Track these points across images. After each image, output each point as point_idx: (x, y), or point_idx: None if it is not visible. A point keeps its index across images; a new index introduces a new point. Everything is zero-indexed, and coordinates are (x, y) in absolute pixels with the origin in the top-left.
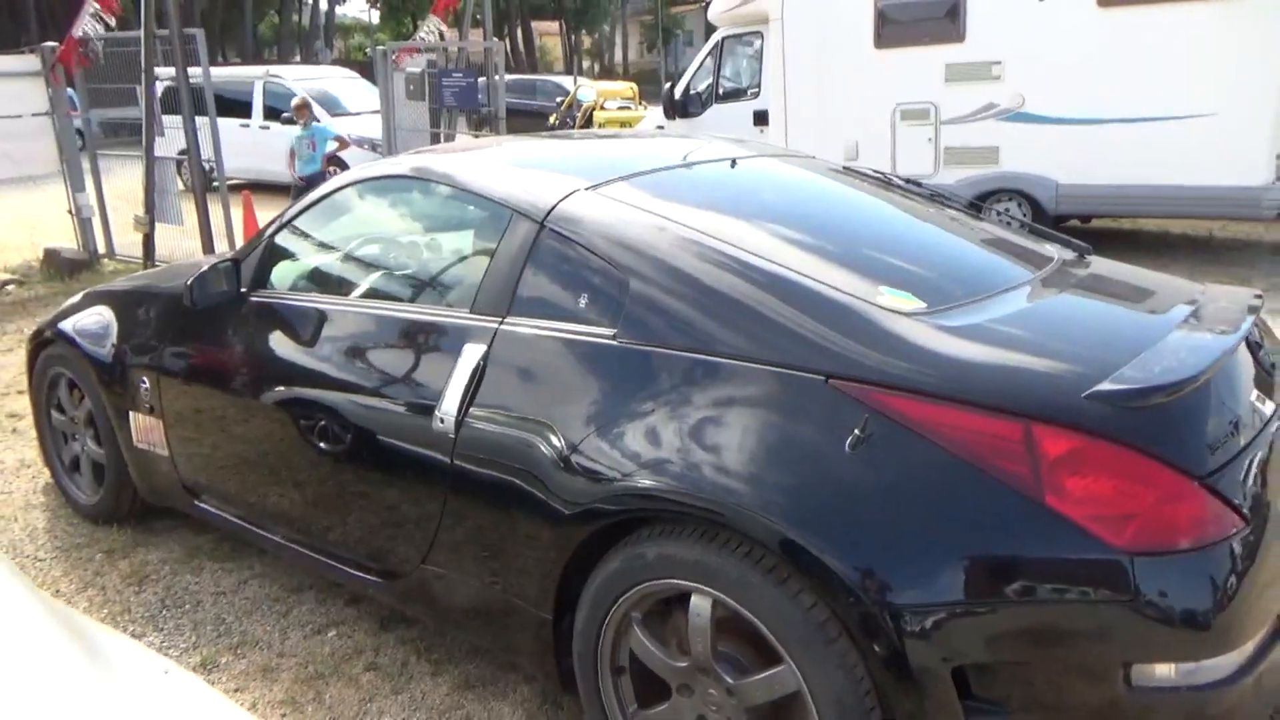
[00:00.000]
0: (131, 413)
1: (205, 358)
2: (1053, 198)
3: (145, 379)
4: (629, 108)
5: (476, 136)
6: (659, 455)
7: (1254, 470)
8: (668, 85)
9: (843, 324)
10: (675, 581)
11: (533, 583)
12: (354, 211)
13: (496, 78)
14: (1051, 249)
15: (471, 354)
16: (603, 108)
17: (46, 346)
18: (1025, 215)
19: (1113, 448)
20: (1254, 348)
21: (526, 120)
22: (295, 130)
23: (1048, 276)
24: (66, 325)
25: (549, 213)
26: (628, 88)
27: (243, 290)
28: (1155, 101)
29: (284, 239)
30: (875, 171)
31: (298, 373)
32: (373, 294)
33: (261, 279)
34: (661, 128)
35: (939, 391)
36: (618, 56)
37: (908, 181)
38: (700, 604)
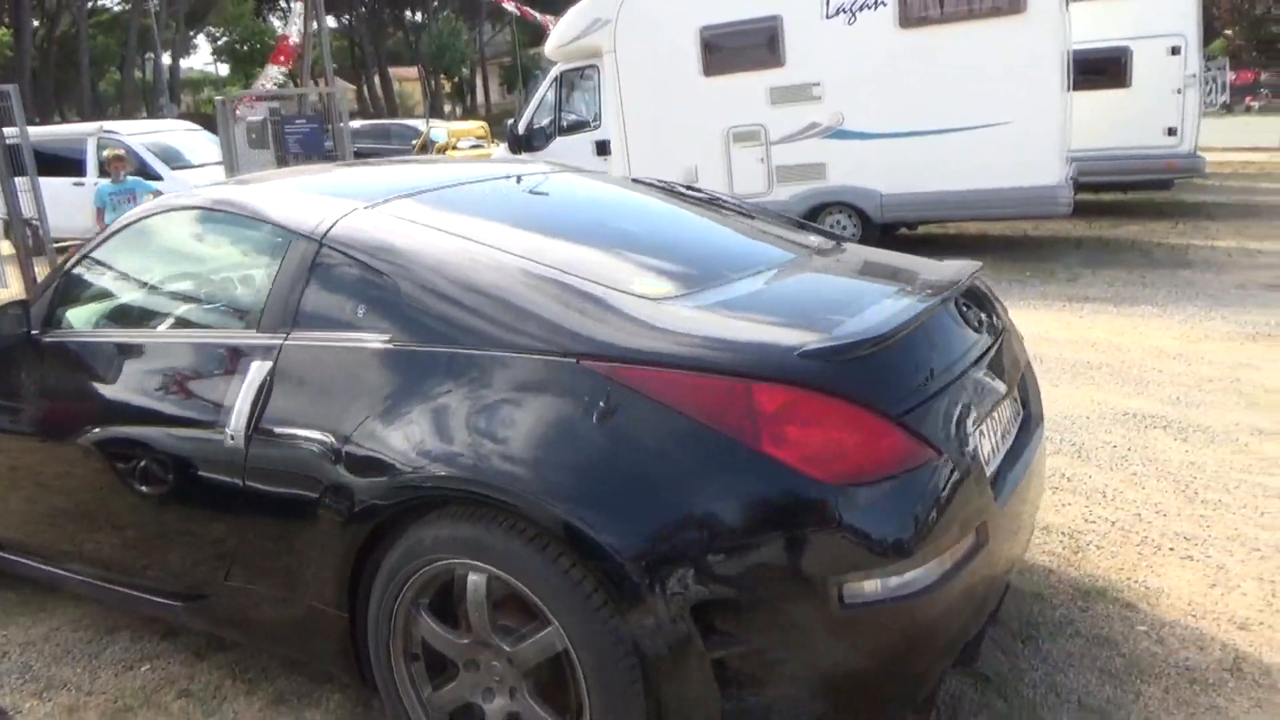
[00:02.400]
0: None
1: (10, 402)
2: (878, 208)
3: None
4: (481, 145)
5: None
6: (428, 446)
7: (953, 411)
8: (510, 121)
9: (591, 310)
10: (450, 561)
11: (328, 585)
12: (145, 246)
13: (341, 124)
14: (812, 239)
15: (258, 371)
16: (455, 147)
17: None
18: (855, 226)
19: (819, 397)
20: (967, 310)
21: None
22: (105, 184)
23: (797, 261)
24: None
25: (326, 232)
26: (479, 126)
27: (33, 332)
28: (957, 113)
29: (76, 278)
30: (661, 182)
31: (91, 409)
32: (163, 324)
33: (54, 319)
34: None
35: (672, 362)
36: (480, 98)
37: (690, 189)
38: (475, 580)
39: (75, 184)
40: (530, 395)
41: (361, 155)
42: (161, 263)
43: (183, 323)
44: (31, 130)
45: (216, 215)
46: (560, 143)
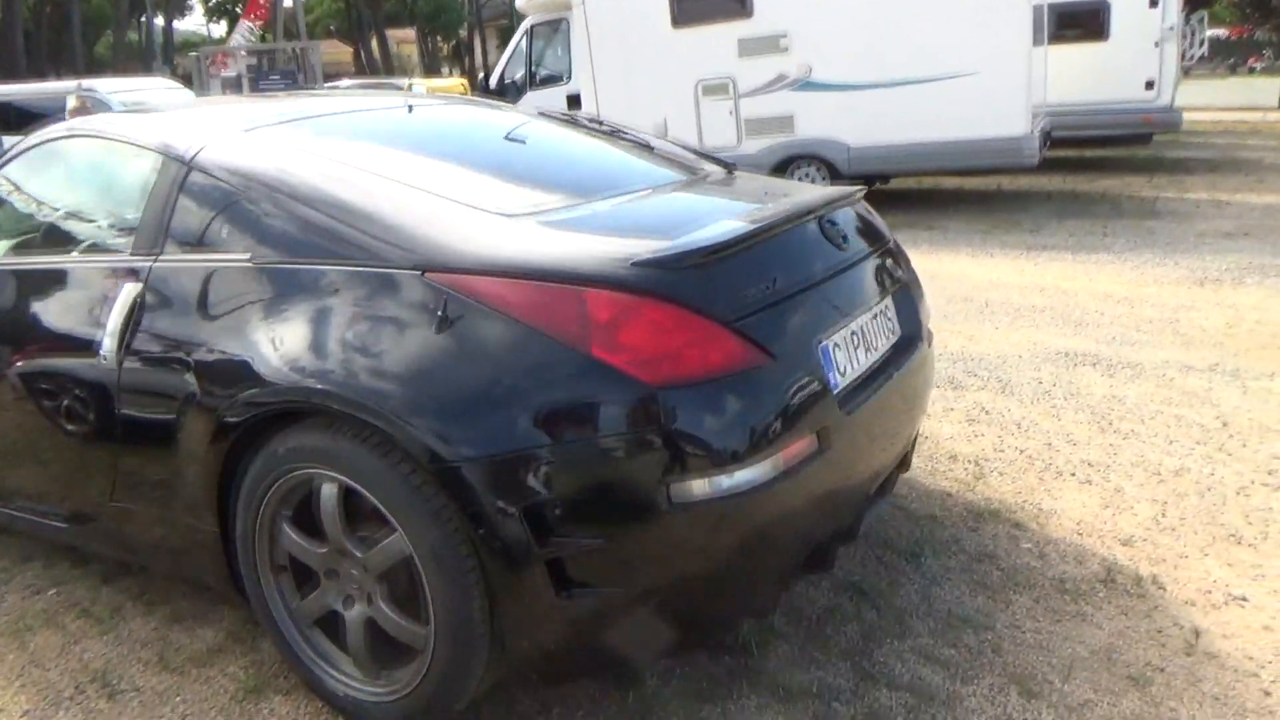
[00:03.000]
0: None
1: None
2: (845, 160)
3: None
4: None
5: None
6: (279, 359)
7: (795, 321)
8: (482, 75)
9: (441, 225)
10: (305, 471)
11: (199, 501)
12: (38, 174)
13: (316, 79)
14: (706, 167)
15: (129, 291)
16: None
17: None
18: (823, 179)
19: (650, 302)
20: (833, 229)
21: None
22: None
23: (674, 184)
24: None
25: (194, 156)
26: (459, 84)
27: None
28: (924, 64)
29: None
30: (565, 114)
31: None
32: (52, 250)
33: None
34: None
35: (511, 272)
36: (478, 59)
37: (593, 121)
38: (328, 489)
39: None
40: (376, 308)
41: None
42: (51, 190)
43: (69, 248)
44: (13, 87)
45: (100, 142)
46: (531, 97)
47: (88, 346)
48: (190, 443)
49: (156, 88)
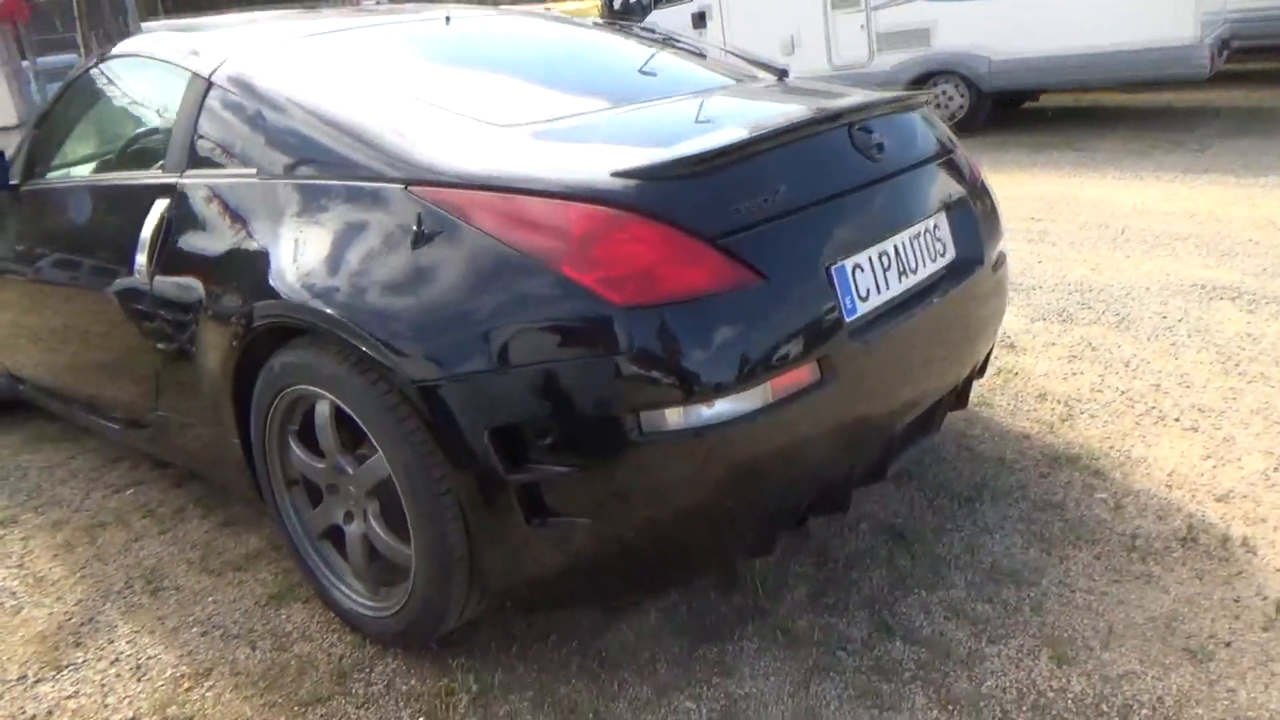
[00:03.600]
0: None
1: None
2: (987, 74)
3: None
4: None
5: None
6: (273, 275)
7: (798, 238)
8: None
9: (429, 137)
10: (299, 388)
11: (222, 412)
12: (90, 97)
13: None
14: (757, 74)
15: (158, 209)
16: None
17: None
18: (963, 96)
19: (626, 216)
20: (869, 137)
21: None
22: None
23: (706, 92)
24: None
25: (213, 72)
26: (595, 4)
27: (13, 183)
28: None
29: (43, 132)
30: (621, 24)
31: (52, 251)
32: (101, 168)
33: (29, 169)
34: None
35: (493, 185)
36: None
37: (646, 30)
38: (321, 407)
39: None
40: (362, 223)
41: None
42: (100, 111)
43: (117, 166)
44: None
45: (141, 62)
46: (656, 15)
47: (127, 260)
48: (208, 357)
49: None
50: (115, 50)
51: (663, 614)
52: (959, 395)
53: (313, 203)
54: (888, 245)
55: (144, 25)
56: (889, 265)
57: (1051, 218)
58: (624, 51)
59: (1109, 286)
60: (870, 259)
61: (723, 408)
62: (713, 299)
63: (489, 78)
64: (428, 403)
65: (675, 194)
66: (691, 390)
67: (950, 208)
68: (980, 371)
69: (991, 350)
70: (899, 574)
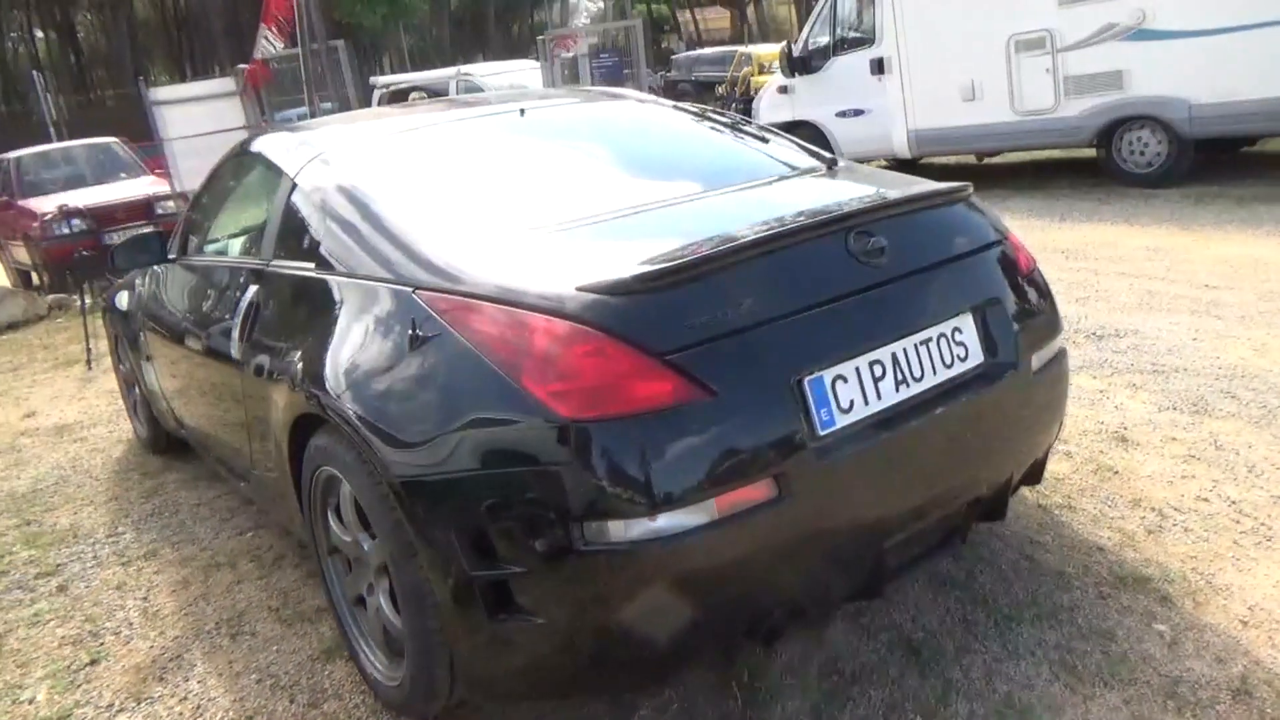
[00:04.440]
0: (145, 360)
1: (163, 313)
2: (1186, 120)
3: (144, 332)
4: None
5: None
6: (311, 362)
7: (760, 352)
8: (784, 44)
9: (444, 241)
10: (326, 468)
11: (285, 480)
12: (221, 185)
13: (641, 70)
14: (805, 164)
15: (250, 290)
16: (762, 70)
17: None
18: (1161, 144)
19: (582, 331)
20: (869, 240)
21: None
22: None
23: (746, 186)
24: (112, 293)
25: (297, 172)
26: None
27: (171, 257)
28: None
29: (193, 212)
30: (695, 108)
31: (189, 317)
32: (223, 250)
33: (183, 245)
34: (784, 89)
35: (479, 294)
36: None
37: (719, 113)
38: (344, 488)
39: None
40: (377, 321)
41: (699, 83)
42: (230, 198)
43: (234, 249)
44: (403, 75)
45: (258, 157)
46: (837, 63)
47: (230, 333)
48: (274, 429)
49: (524, 69)
50: (244, 146)
51: (655, 710)
52: (994, 507)
53: (345, 299)
54: (882, 353)
55: (372, 80)
56: (882, 375)
57: (1230, 285)
58: (678, 143)
59: (1267, 373)
60: (857, 369)
61: (665, 522)
62: (656, 415)
63: (531, 175)
64: (408, 498)
65: (631, 310)
66: (631, 505)
67: (981, 308)
68: (1033, 477)
69: (1043, 457)
70: (900, 695)
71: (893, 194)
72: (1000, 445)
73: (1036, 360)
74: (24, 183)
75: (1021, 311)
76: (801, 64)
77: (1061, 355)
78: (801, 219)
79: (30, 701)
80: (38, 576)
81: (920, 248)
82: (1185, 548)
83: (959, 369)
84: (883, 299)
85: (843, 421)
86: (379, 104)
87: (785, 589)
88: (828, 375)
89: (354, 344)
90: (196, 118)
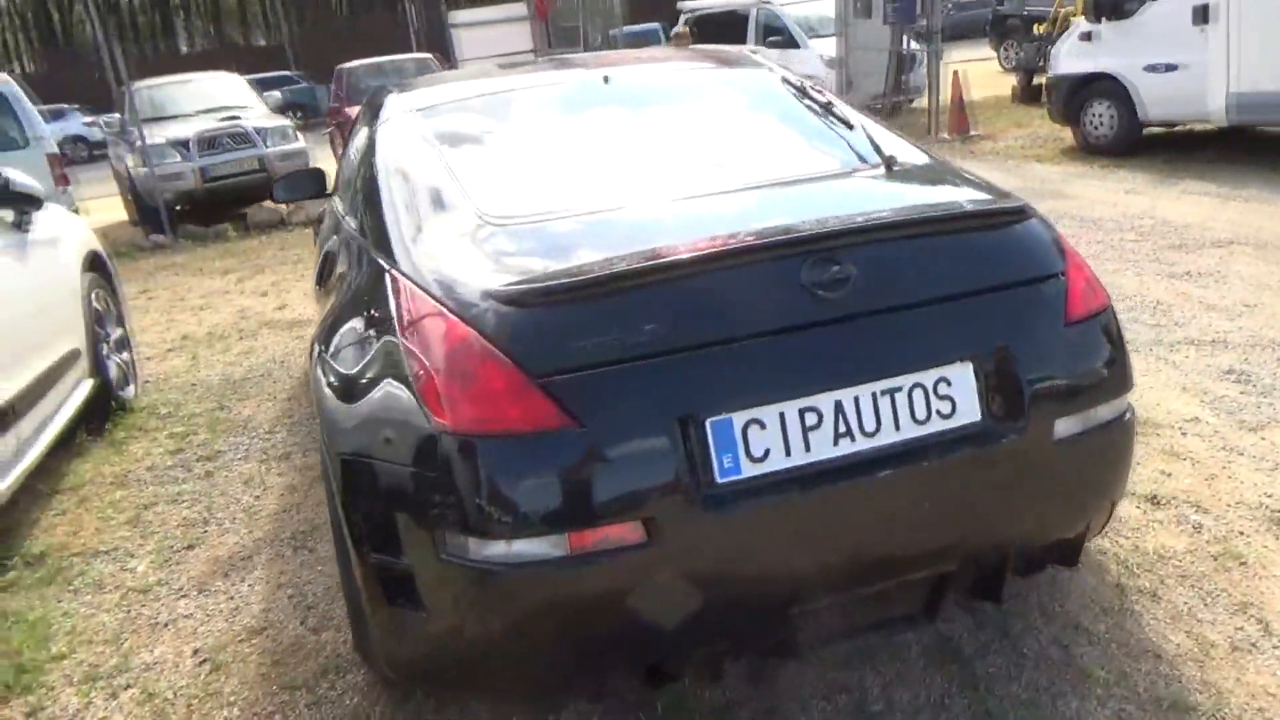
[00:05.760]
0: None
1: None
2: None
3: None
4: None
5: (904, 52)
6: (323, 319)
7: (647, 386)
8: None
9: (423, 224)
10: None
11: None
12: (355, 132)
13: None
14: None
15: (331, 241)
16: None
17: None
18: None
19: (473, 340)
20: (822, 271)
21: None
22: None
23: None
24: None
25: (376, 127)
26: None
27: (328, 193)
28: None
29: (345, 151)
30: (796, 84)
31: (323, 254)
32: (342, 190)
33: (336, 183)
34: (1087, 35)
35: (419, 282)
36: None
37: (815, 89)
38: None
39: None
40: (363, 294)
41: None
42: (353, 145)
43: (345, 195)
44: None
45: (370, 110)
46: (1153, 8)
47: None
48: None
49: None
50: (370, 95)
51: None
52: (987, 587)
53: (358, 265)
54: (821, 400)
55: (680, 5)
56: (817, 424)
57: None
58: (729, 128)
59: None
60: (781, 415)
61: (517, 548)
62: (518, 439)
63: (549, 156)
64: (337, 469)
65: (522, 324)
66: (484, 525)
67: (989, 356)
68: (1066, 558)
69: (1078, 538)
70: None
71: (892, 213)
72: (986, 520)
73: (1068, 425)
74: (354, 91)
75: (1055, 364)
76: (1111, 7)
77: (1119, 423)
78: (749, 238)
79: (132, 571)
80: (199, 459)
81: (911, 280)
82: (1268, 679)
83: (937, 427)
84: (835, 338)
85: (750, 471)
86: (683, 27)
87: (661, 635)
88: (739, 419)
89: (344, 310)
90: (490, 41)
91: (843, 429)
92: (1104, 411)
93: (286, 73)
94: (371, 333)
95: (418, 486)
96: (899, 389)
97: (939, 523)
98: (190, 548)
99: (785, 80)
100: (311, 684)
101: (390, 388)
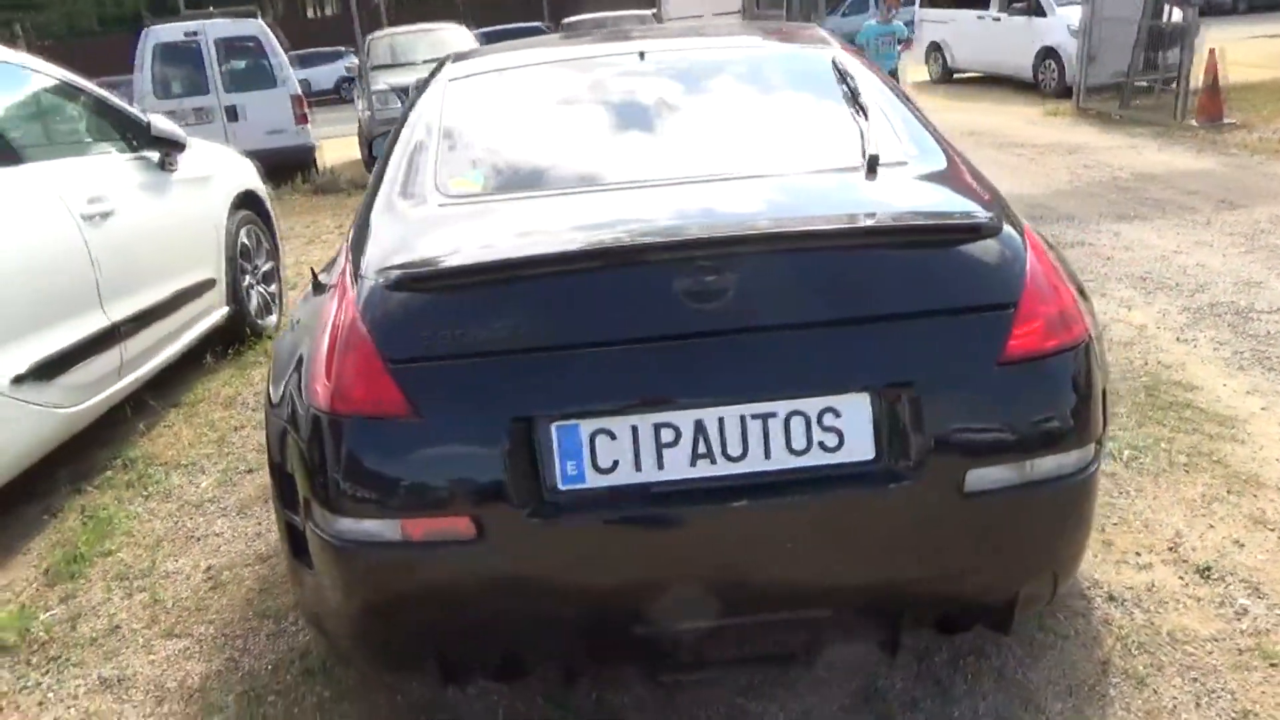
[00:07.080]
0: None
1: None
2: None
3: None
4: None
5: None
6: None
7: (497, 381)
8: None
9: (389, 196)
10: None
11: None
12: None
13: None
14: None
15: None
16: None
17: None
18: None
19: (354, 318)
20: (700, 281)
21: None
22: (872, 24)
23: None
24: None
25: (421, 92)
26: None
27: None
28: None
29: None
30: (840, 67)
31: None
32: None
33: None
34: None
35: (353, 251)
36: None
37: (847, 74)
38: None
39: (978, 16)
40: (328, 268)
41: None
42: None
43: None
44: None
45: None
46: None
47: None
48: None
49: None
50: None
51: None
52: (887, 642)
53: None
54: (680, 418)
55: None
56: (673, 442)
57: None
58: (737, 112)
59: None
60: (634, 428)
61: (357, 527)
62: (364, 422)
63: (546, 133)
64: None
65: (390, 307)
66: (328, 501)
67: (895, 390)
68: (998, 624)
69: (1009, 604)
70: None
71: (802, 221)
72: (870, 568)
73: (985, 477)
74: None
75: (975, 406)
76: None
77: (1066, 482)
78: (623, 240)
79: (196, 485)
80: None
81: (809, 298)
82: None
83: (817, 460)
84: (704, 353)
85: (596, 482)
86: None
87: (495, 633)
88: (586, 426)
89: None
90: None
91: (702, 450)
92: (1044, 466)
93: (528, 24)
94: (315, 295)
95: (297, 453)
96: (773, 414)
97: (808, 562)
98: (250, 471)
99: (834, 63)
100: (280, 616)
101: (299, 348)
